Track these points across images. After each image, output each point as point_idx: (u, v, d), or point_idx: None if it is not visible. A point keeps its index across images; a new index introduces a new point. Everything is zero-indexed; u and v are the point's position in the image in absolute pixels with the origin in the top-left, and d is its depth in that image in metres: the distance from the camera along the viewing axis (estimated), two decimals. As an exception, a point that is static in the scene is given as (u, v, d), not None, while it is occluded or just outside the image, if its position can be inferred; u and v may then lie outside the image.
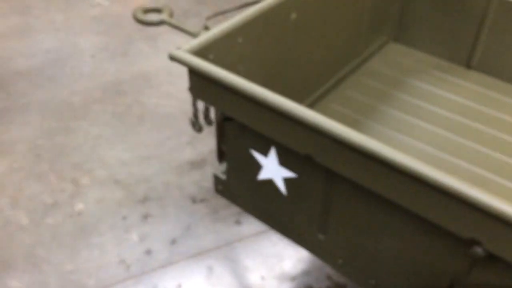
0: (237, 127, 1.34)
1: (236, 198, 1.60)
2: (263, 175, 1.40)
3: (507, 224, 0.89)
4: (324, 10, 1.67)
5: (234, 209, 2.32)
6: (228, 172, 1.56)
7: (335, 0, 1.69)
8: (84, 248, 2.15)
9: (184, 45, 1.24)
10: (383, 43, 2.17)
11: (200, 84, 1.24)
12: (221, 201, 2.35)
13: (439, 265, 1.13)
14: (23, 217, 2.28)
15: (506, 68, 1.98)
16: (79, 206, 2.33)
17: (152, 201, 2.36)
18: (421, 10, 2.06)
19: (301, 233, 1.44)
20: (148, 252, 2.14)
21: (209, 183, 2.45)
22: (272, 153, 1.31)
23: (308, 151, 1.12)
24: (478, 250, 0.96)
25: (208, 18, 1.97)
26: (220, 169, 1.61)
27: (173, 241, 2.19)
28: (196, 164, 2.55)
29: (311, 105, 1.86)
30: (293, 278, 2.06)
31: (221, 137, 1.81)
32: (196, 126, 1.59)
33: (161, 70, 3.14)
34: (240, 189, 1.55)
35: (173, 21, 2.01)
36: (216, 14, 1.99)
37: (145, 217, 2.29)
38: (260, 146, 1.33)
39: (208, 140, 2.63)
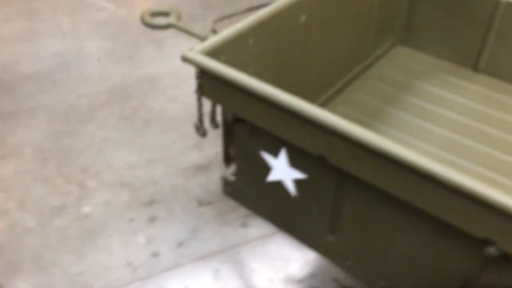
0: (247, 129, 1.35)
1: (244, 200, 1.60)
2: (272, 177, 1.40)
3: None
4: (333, 13, 1.68)
5: (241, 212, 2.32)
6: (237, 174, 1.56)
7: (344, 3, 1.70)
8: (91, 251, 2.15)
9: (196, 47, 1.25)
10: (391, 46, 2.18)
11: (213, 85, 1.25)
12: (228, 204, 2.35)
13: (451, 265, 1.13)
14: (30, 220, 2.28)
15: (513, 71, 1.98)
16: (86, 208, 2.34)
17: (159, 204, 2.36)
18: (428, 13, 2.06)
19: (311, 235, 1.44)
20: (155, 254, 2.15)
21: (215, 186, 2.45)
22: (282, 155, 1.32)
23: (321, 152, 1.13)
24: (492, 250, 0.96)
25: (216, 21, 1.98)
26: (228, 171, 1.61)
27: (180, 244, 2.19)
28: (203, 167, 2.55)
29: (319, 108, 1.87)
30: (299, 281, 2.05)
31: (228, 140, 1.82)
32: (200, 130, 1.59)
33: (167, 73, 3.16)
34: (249, 191, 1.56)
35: (181, 24, 2.02)
36: (223, 18, 2.00)
37: (152, 219, 2.29)
38: (270, 148, 1.33)
39: (214, 143, 2.64)
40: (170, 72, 3.16)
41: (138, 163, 2.56)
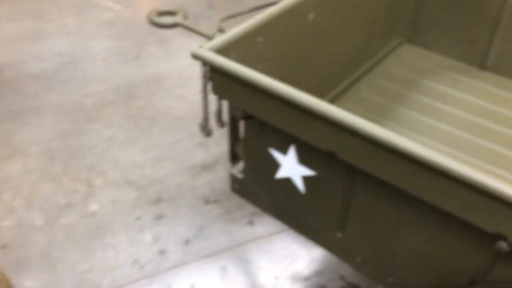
0: (256, 126, 1.35)
1: (252, 197, 1.60)
2: (281, 174, 1.41)
3: None
4: (340, 11, 1.69)
5: (247, 210, 2.33)
6: (245, 171, 1.57)
7: (351, 1, 1.71)
8: (98, 248, 2.16)
9: (206, 45, 1.25)
10: (397, 44, 2.18)
11: (223, 82, 1.25)
12: (234, 202, 2.36)
13: (461, 261, 1.13)
14: (38, 218, 2.29)
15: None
16: (93, 206, 2.35)
17: (165, 202, 2.37)
18: (435, 11, 2.07)
19: (319, 232, 1.44)
20: (162, 252, 2.15)
21: (221, 184, 2.46)
22: (291, 152, 1.32)
23: (331, 148, 1.13)
24: (503, 245, 0.97)
25: (222, 20, 1.99)
26: (236, 168, 1.62)
27: (187, 242, 2.20)
28: (208, 166, 2.56)
29: None
30: (306, 279, 2.06)
31: (234, 138, 1.83)
32: (205, 130, 1.60)
33: (173, 73, 3.17)
34: (257, 188, 1.56)
35: (188, 23, 2.03)
36: (230, 17, 2.01)
37: (159, 217, 2.30)
38: (279, 145, 1.34)
39: (220, 142, 2.65)
40: (176, 71, 3.17)
41: (144, 162, 2.57)
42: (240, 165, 1.63)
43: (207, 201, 2.38)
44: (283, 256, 2.14)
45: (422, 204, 1.07)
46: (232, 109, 1.72)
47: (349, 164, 1.16)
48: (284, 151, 1.34)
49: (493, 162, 1.68)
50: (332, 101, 1.89)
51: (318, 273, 2.08)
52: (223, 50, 1.26)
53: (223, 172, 2.52)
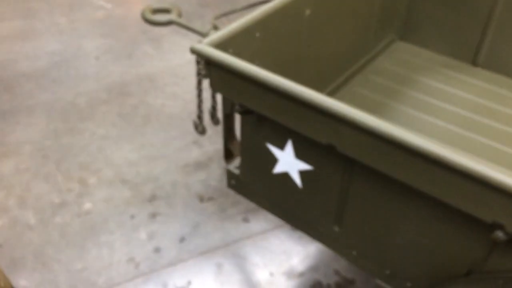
0: (254, 121, 1.36)
1: (249, 193, 1.61)
2: (278, 169, 1.41)
3: None
4: (335, 8, 1.70)
5: (242, 207, 2.33)
6: (241, 167, 1.57)
7: None
8: (93, 247, 2.16)
9: (204, 40, 1.26)
10: (390, 42, 2.20)
11: (222, 77, 1.26)
12: (229, 200, 2.37)
13: (458, 252, 1.14)
14: (31, 217, 2.28)
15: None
16: (87, 205, 2.34)
17: (160, 200, 2.37)
18: (427, 8, 2.09)
19: (316, 226, 1.45)
20: (157, 250, 2.15)
21: (216, 182, 2.46)
22: (289, 146, 1.33)
23: (330, 141, 1.14)
24: (500, 234, 0.98)
25: (216, 18, 1.99)
26: (233, 164, 1.62)
27: (182, 239, 2.20)
28: (203, 164, 2.56)
29: None
30: (301, 274, 2.07)
31: (228, 136, 1.83)
32: (199, 128, 1.60)
33: (166, 71, 3.16)
34: (253, 184, 1.57)
35: (182, 21, 2.03)
36: (224, 15, 2.01)
37: (153, 215, 2.30)
38: (276, 140, 1.35)
39: (214, 140, 2.65)
40: (169, 69, 3.17)
41: (138, 160, 2.57)
42: (236, 161, 1.63)
43: (201, 199, 2.38)
44: (278, 253, 2.15)
45: (419, 195, 1.08)
46: (226, 107, 1.73)
47: (347, 157, 1.17)
48: (281, 146, 1.35)
49: (485, 156, 1.70)
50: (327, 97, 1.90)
51: (313, 268, 2.09)
52: (221, 45, 1.27)
53: (218, 169, 2.52)
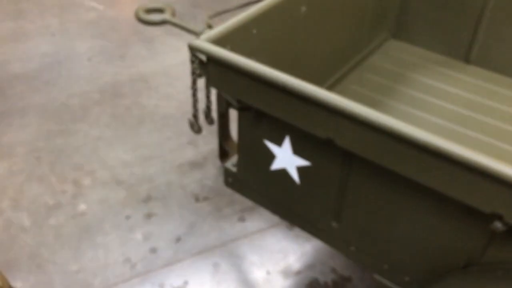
0: (252, 118, 1.36)
1: (246, 190, 1.61)
2: (276, 165, 1.42)
3: None
4: (330, 5, 1.71)
5: (238, 206, 2.33)
6: (239, 164, 1.57)
7: None
8: (88, 248, 2.14)
9: (202, 36, 1.26)
10: (384, 40, 2.22)
11: (220, 73, 1.26)
12: (224, 199, 2.36)
13: (456, 244, 1.15)
14: (25, 219, 2.26)
15: (504, 62, 2.03)
16: (82, 206, 2.33)
17: (155, 201, 2.36)
18: (419, 7, 2.11)
19: (314, 222, 1.45)
20: (153, 250, 2.14)
21: (211, 181, 2.46)
22: (286, 143, 1.33)
23: (329, 135, 1.15)
24: (498, 225, 0.99)
25: (210, 17, 1.99)
26: (230, 162, 1.62)
27: (178, 239, 2.19)
28: (198, 164, 2.56)
29: None
30: (298, 272, 2.07)
31: (223, 135, 1.83)
32: (195, 127, 1.61)
33: (159, 72, 3.16)
34: (251, 181, 1.57)
35: (177, 20, 2.03)
36: (218, 14, 2.02)
37: (149, 216, 2.29)
38: (274, 136, 1.35)
39: (208, 140, 2.65)
40: (162, 70, 3.16)
41: (133, 161, 2.56)
42: (233, 159, 1.63)
43: (197, 199, 2.38)
44: (274, 251, 2.16)
45: (418, 188, 1.09)
46: (221, 106, 1.73)
47: (344, 152, 1.17)
48: (279, 142, 1.36)
49: (477, 150, 1.71)
50: None
51: (310, 266, 2.09)
52: (219, 42, 1.27)
53: (213, 169, 2.52)
